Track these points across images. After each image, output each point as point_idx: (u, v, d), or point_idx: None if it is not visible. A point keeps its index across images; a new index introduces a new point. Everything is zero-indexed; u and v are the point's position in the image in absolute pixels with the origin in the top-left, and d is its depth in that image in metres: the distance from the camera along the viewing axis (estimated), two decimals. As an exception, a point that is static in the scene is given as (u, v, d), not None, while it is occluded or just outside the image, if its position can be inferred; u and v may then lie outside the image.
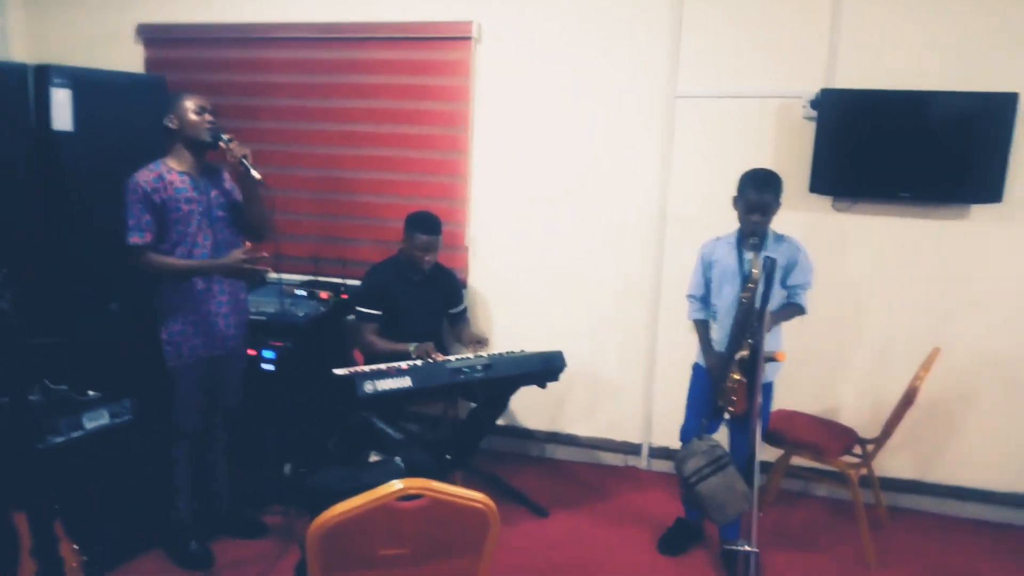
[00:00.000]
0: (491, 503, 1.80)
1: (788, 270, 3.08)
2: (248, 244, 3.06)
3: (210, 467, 3.23)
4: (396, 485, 1.70)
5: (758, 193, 2.94)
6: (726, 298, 3.09)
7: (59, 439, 2.87)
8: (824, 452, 3.26)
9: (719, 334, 3.12)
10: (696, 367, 3.29)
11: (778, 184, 2.99)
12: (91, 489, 2.97)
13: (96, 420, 3.01)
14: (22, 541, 2.50)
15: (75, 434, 2.92)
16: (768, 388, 3.20)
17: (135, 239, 2.86)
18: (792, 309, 3.12)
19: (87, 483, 2.96)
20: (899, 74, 3.49)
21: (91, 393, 3.07)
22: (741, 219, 3.03)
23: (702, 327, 3.21)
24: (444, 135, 4.10)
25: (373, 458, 2.11)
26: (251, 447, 3.47)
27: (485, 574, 1.90)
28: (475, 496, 1.78)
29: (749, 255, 2.96)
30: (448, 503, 1.76)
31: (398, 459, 2.05)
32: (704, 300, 3.21)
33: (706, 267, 3.17)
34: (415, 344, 3.46)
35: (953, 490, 3.74)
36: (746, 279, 2.93)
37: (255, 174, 2.91)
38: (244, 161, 2.89)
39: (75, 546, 2.64)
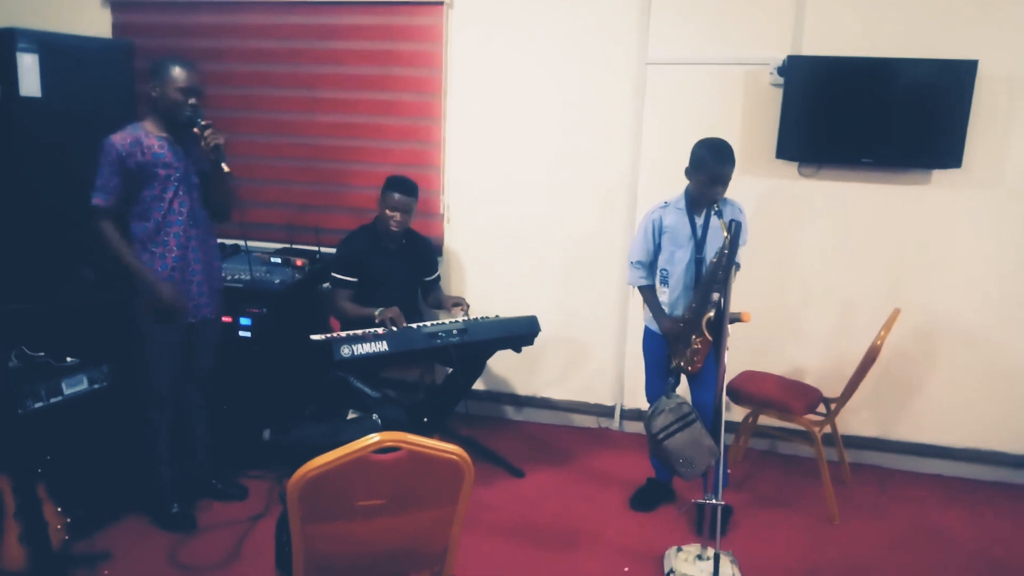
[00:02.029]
0: (465, 455, 1.86)
1: None
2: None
3: (188, 431, 3.26)
4: (373, 438, 1.75)
5: (720, 166, 2.99)
6: (679, 263, 3.15)
7: (39, 404, 2.89)
8: (790, 411, 3.36)
9: (670, 297, 3.19)
10: (647, 331, 3.35)
11: (733, 154, 3.03)
12: (73, 453, 3.01)
13: (75, 386, 3.04)
14: (6, 504, 2.55)
15: (55, 399, 2.95)
16: None
17: (98, 200, 2.85)
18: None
19: (69, 447, 3.00)
20: (864, 41, 3.55)
21: (69, 359, 3.09)
22: (698, 190, 3.06)
23: (649, 292, 3.26)
24: (417, 101, 4.11)
25: (351, 415, 2.17)
26: (230, 413, 3.51)
27: (460, 523, 1.97)
28: (449, 448, 1.84)
29: (699, 219, 3.10)
30: (424, 455, 1.81)
31: (375, 416, 2.11)
32: (650, 266, 3.26)
33: (656, 232, 3.20)
34: (380, 308, 3.50)
35: (913, 446, 3.87)
36: (700, 243, 3.08)
37: (224, 167, 2.90)
38: (217, 151, 2.88)
39: (58, 508, 2.69)
